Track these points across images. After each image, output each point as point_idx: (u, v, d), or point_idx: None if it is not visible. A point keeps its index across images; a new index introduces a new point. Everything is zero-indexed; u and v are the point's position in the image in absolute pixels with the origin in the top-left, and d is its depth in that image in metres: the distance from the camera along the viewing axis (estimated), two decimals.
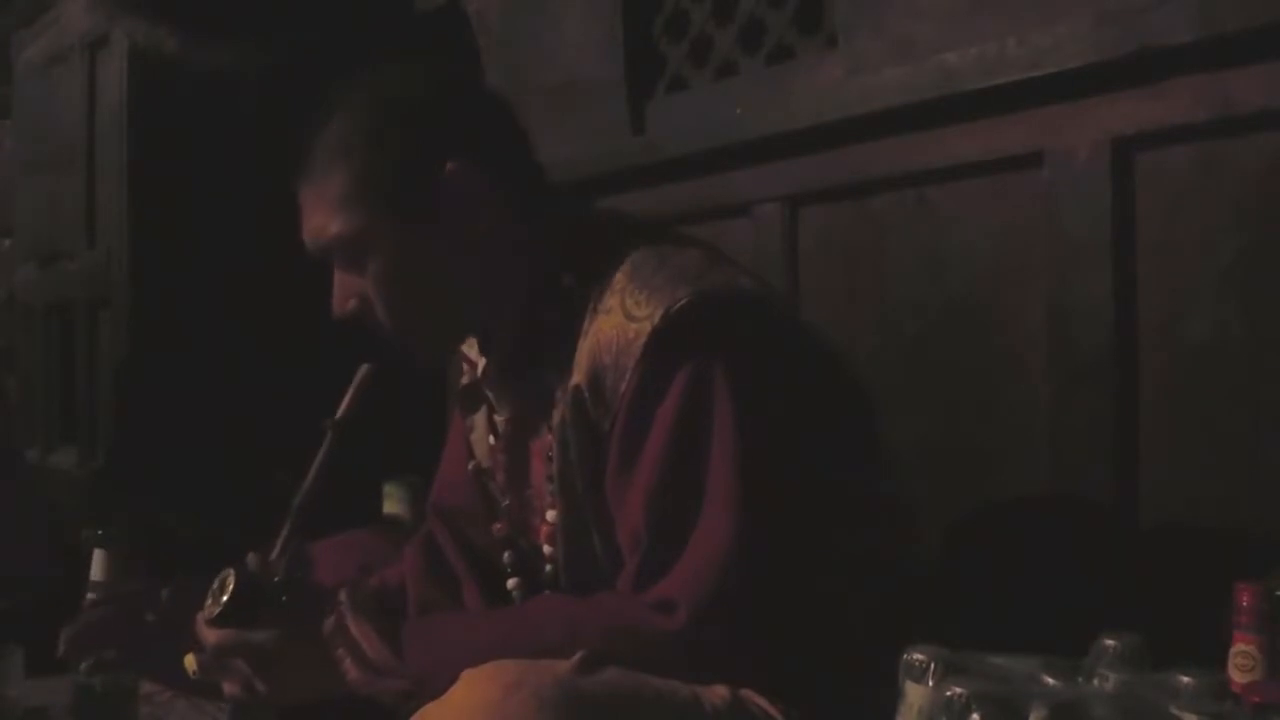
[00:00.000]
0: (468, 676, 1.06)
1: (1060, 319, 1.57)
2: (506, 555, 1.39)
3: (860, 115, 1.79)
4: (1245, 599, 1.03)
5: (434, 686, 1.09)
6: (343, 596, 1.28)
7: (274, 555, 1.33)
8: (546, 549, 1.32)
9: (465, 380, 1.44)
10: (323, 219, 1.26)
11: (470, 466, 1.43)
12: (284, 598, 1.30)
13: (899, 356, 1.80)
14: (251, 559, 1.32)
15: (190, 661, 1.31)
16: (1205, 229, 1.45)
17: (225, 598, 1.27)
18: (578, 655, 1.07)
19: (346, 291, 1.28)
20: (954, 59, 1.65)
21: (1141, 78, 1.46)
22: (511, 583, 1.38)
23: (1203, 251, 1.45)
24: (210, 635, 1.28)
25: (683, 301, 1.15)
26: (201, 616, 1.30)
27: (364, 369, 1.38)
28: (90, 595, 1.66)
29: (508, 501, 1.39)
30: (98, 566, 1.67)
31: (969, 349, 1.71)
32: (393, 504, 2.55)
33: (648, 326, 1.15)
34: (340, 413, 1.36)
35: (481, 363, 1.36)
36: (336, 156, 1.25)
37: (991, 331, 1.68)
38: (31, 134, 3.97)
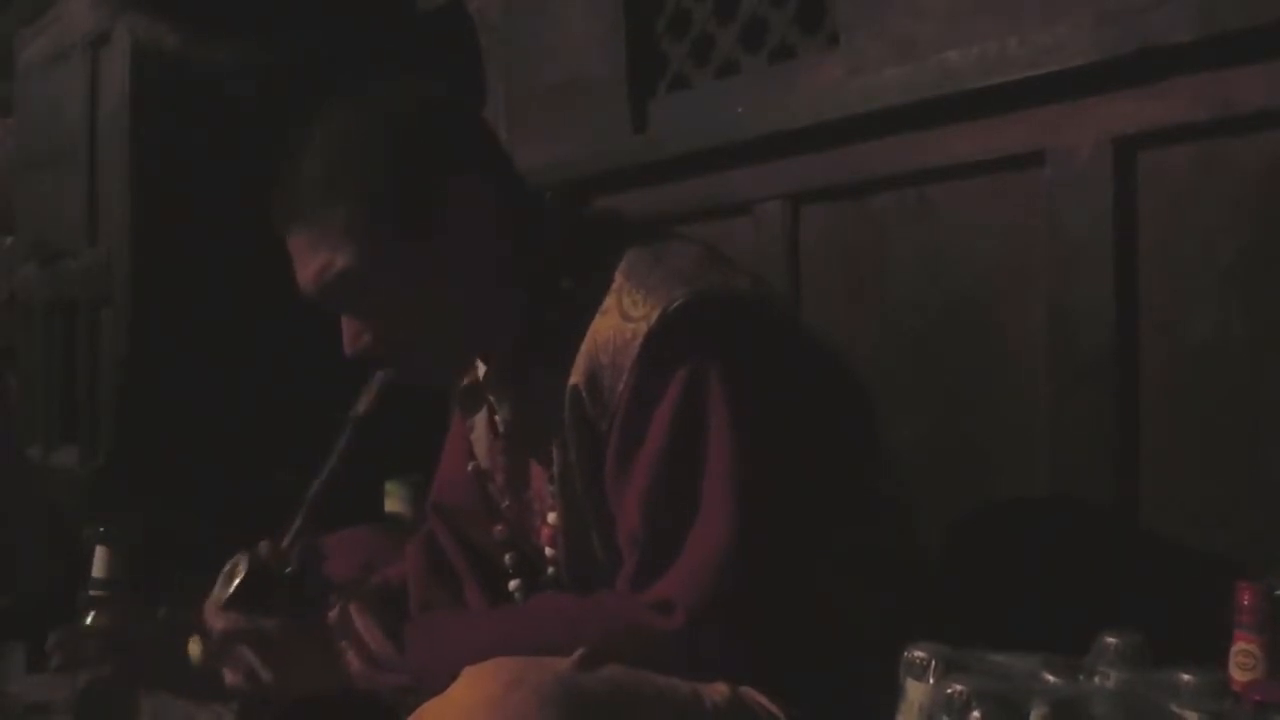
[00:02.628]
0: (468, 673, 1.06)
1: (1060, 319, 1.57)
2: (508, 557, 1.39)
3: (861, 114, 1.79)
4: (1246, 598, 1.03)
5: (435, 683, 1.09)
6: (347, 593, 1.28)
7: (285, 544, 1.33)
8: (548, 551, 1.32)
9: (466, 380, 1.44)
10: (326, 256, 1.21)
11: (470, 467, 1.43)
12: (292, 587, 1.30)
13: (899, 356, 1.80)
14: (263, 547, 1.32)
15: (194, 647, 1.31)
16: (1206, 229, 1.45)
17: (235, 582, 1.28)
18: (578, 653, 1.07)
19: (357, 328, 1.26)
20: (955, 58, 1.65)
21: (1142, 77, 1.46)
22: (513, 584, 1.38)
23: (1203, 251, 1.45)
24: (218, 620, 1.29)
25: (679, 302, 1.15)
26: (210, 601, 1.30)
27: (383, 370, 1.35)
28: (91, 593, 1.67)
29: (507, 503, 1.39)
30: (99, 565, 1.68)
31: (969, 349, 1.71)
32: (394, 502, 2.56)
33: (644, 327, 1.15)
34: (363, 407, 1.32)
35: (481, 365, 1.36)
36: (331, 189, 1.20)
37: (991, 331, 1.68)
38: (33, 132, 3.96)
